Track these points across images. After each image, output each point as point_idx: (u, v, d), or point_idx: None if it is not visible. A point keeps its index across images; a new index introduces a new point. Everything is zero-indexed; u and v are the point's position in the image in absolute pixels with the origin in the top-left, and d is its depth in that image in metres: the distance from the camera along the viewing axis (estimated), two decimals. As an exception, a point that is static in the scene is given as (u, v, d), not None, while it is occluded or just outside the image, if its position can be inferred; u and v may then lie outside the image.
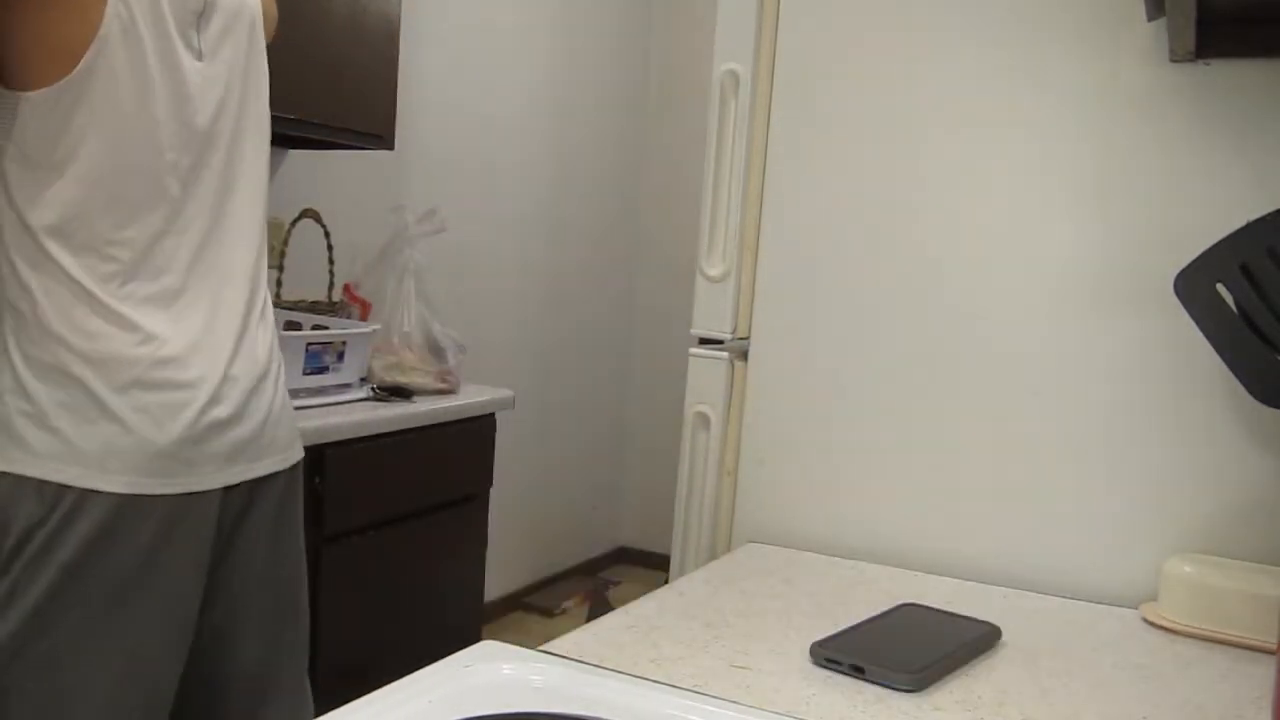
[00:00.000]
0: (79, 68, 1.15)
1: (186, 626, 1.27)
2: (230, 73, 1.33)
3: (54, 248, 1.17)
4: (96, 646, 1.20)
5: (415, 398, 2.28)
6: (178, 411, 1.21)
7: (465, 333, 2.55)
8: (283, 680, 1.40)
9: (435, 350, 2.41)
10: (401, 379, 2.31)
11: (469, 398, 2.40)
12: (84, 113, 1.16)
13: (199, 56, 1.28)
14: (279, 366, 1.38)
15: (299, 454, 1.40)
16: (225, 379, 1.27)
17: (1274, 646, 0.98)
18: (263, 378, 1.33)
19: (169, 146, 1.24)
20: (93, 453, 1.17)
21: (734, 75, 1.35)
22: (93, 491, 1.16)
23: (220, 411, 1.25)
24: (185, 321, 1.25)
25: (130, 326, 1.20)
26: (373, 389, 2.24)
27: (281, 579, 1.39)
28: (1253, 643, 1.01)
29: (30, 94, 1.15)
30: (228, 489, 1.28)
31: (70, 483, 1.16)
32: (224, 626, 1.33)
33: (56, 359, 1.17)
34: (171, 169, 1.25)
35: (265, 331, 1.37)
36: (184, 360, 1.23)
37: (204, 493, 1.24)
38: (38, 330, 1.18)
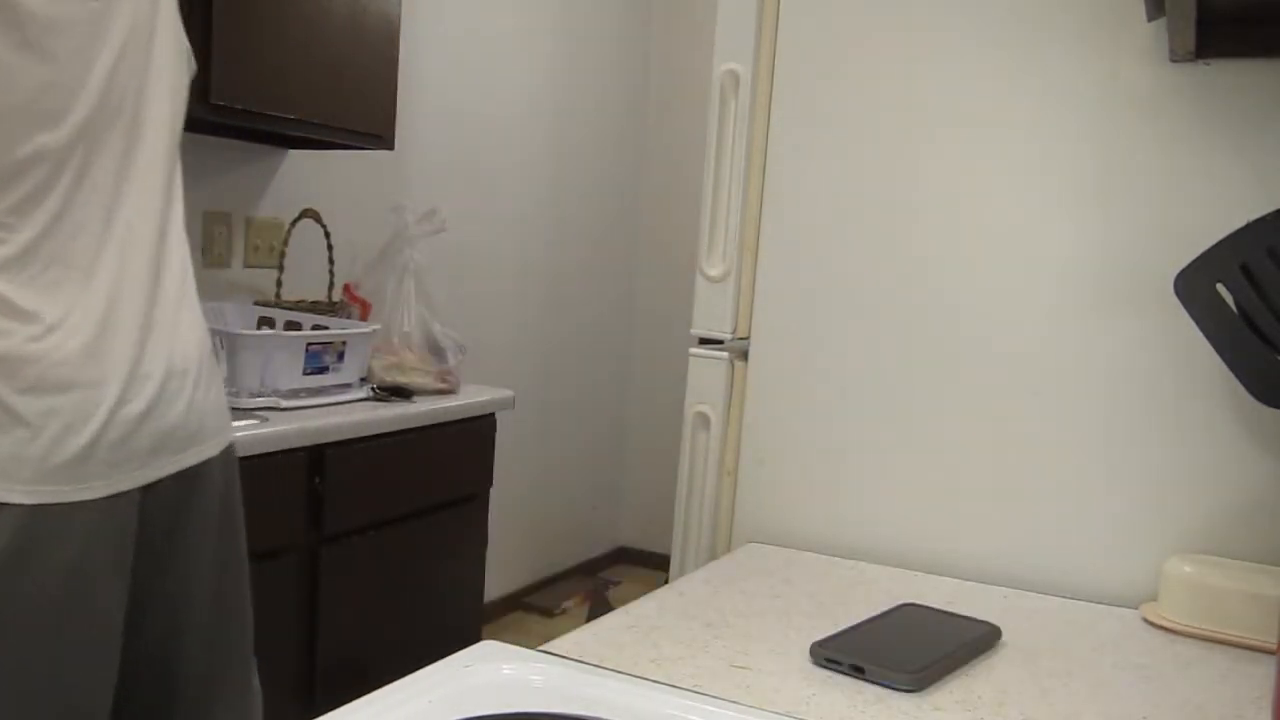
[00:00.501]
0: None
1: (114, 643, 1.15)
2: (135, 6, 1.16)
3: None
4: (17, 681, 1.08)
5: (415, 398, 2.27)
6: (90, 410, 1.09)
7: (465, 333, 2.55)
8: (233, 679, 1.32)
9: (435, 350, 2.41)
10: (401, 379, 2.31)
11: (469, 398, 2.40)
12: None
13: None
14: (203, 359, 1.23)
15: (230, 437, 1.28)
16: (133, 376, 1.13)
17: (1274, 646, 0.98)
18: (181, 374, 1.18)
19: (64, 108, 1.09)
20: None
21: (734, 75, 1.35)
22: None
23: (135, 406, 1.13)
24: (89, 309, 1.11)
25: (29, 318, 1.08)
26: (373, 389, 2.24)
27: (228, 575, 1.29)
28: (1253, 643, 1.01)
29: None
30: (147, 487, 1.15)
31: None
32: (172, 628, 1.23)
33: None
34: (68, 135, 1.10)
35: (183, 316, 1.20)
36: (90, 352, 1.11)
37: (125, 493, 1.13)
38: None
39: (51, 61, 1.08)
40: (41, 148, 1.08)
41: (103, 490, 1.10)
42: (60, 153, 1.10)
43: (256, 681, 1.37)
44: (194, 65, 1.29)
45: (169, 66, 1.22)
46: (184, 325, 1.21)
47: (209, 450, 1.23)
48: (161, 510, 1.18)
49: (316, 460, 1.96)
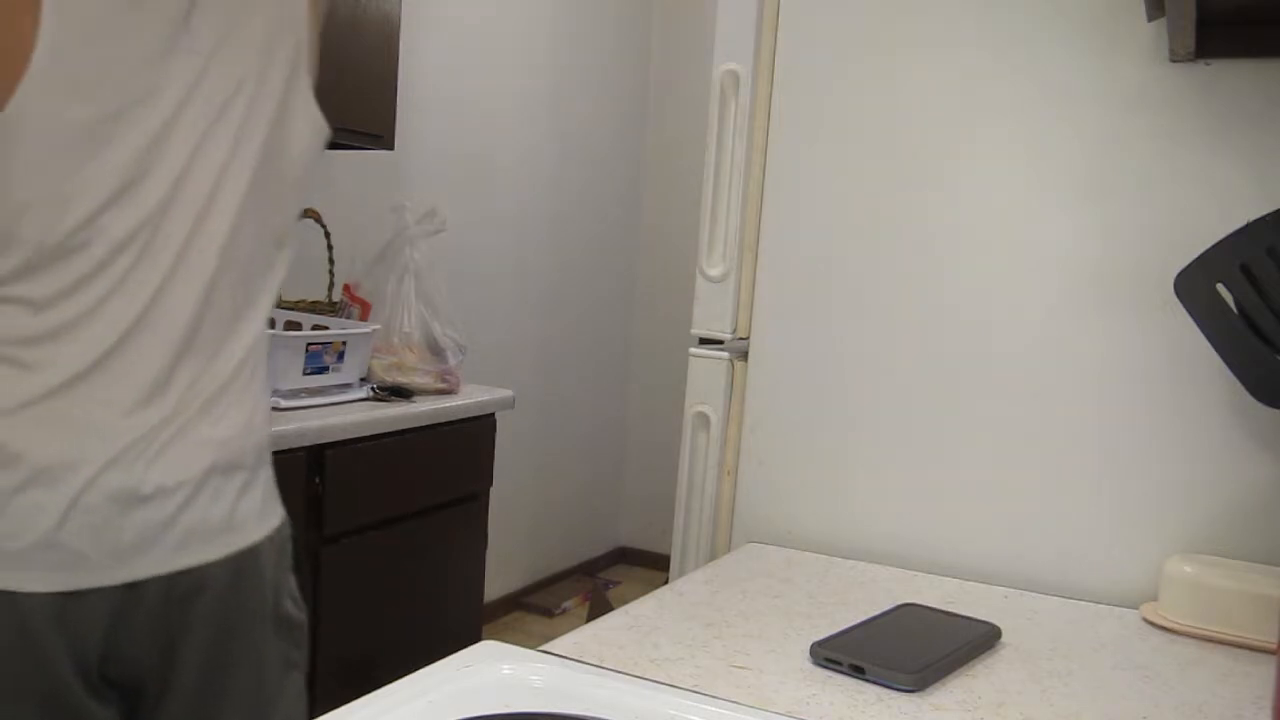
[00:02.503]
0: None
1: None
2: (237, 68, 1.06)
3: None
4: None
5: (415, 398, 2.28)
6: (56, 495, 0.97)
7: (465, 333, 2.55)
8: None
9: (435, 350, 2.42)
10: (401, 379, 2.31)
11: (469, 398, 2.40)
12: None
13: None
14: (208, 475, 1.05)
15: (243, 543, 1.08)
16: (98, 481, 0.98)
17: (1274, 646, 0.98)
18: (169, 491, 1.02)
19: (133, 183, 1.02)
20: None
21: (734, 75, 1.35)
22: None
23: (99, 498, 0.98)
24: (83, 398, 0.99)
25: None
26: (373, 389, 2.24)
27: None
28: (1253, 643, 1.01)
29: None
30: (129, 592, 1.00)
31: None
32: None
33: None
34: (141, 215, 1.02)
35: (197, 427, 1.05)
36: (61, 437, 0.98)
37: (94, 591, 0.98)
38: None
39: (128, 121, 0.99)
40: (104, 227, 0.98)
41: (65, 583, 0.97)
42: (126, 234, 1.00)
43: None
44: (324, 135, 1.15)
45: (256, 140, 1.07)
46: (205, 415, 1.06)
47: (205, 553, 1.05)
48: (132, 615, 1.02)
49: (316, 460, 1.96)
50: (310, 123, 1.14)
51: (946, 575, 1.21)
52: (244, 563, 1.08)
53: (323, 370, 2.13)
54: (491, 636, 0.93)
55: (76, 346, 0.99)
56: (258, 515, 1.11)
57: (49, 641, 0.98)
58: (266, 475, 1.15)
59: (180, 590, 1.03)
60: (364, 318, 2.38)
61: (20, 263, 0.97)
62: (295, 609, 1.16)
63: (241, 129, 1.06)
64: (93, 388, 1.00)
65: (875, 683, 0.87)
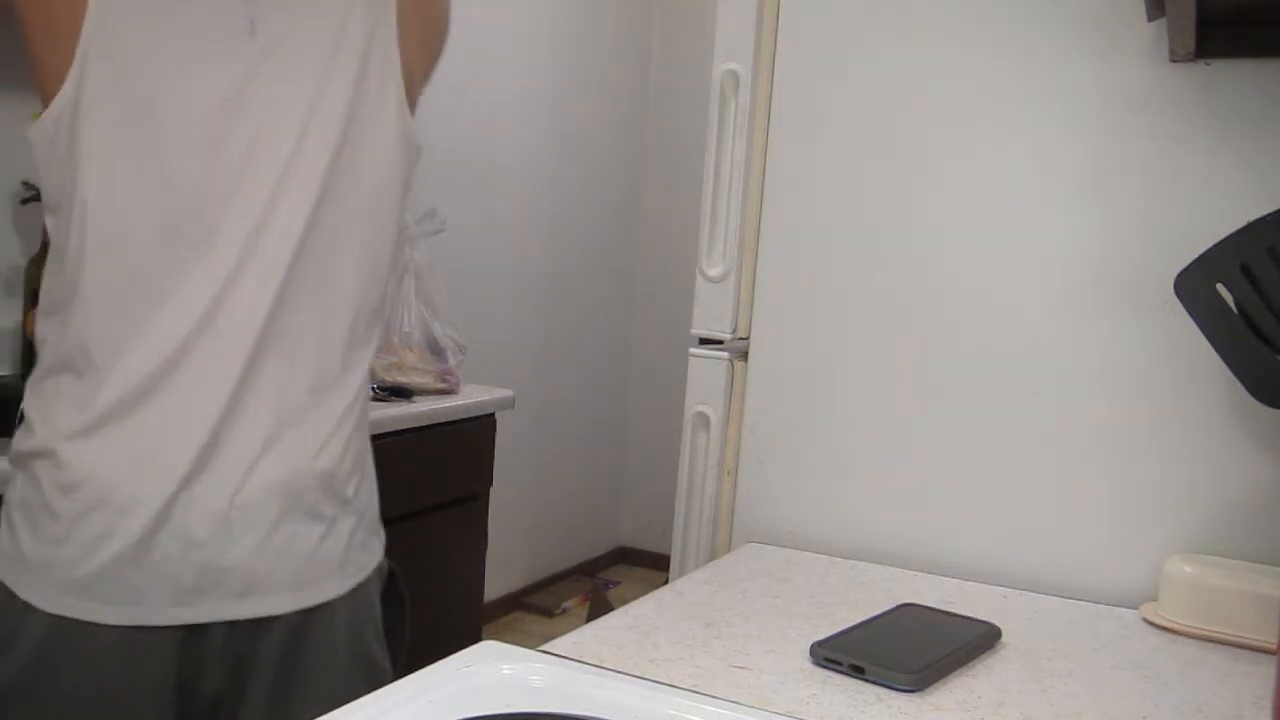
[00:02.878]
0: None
1: None
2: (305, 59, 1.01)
3: None
4: None
5: (415, 398, 2.27)
6: (125, 521, 0.94)
7: (465, 333, 2.55)
8: None
9: (435, 350, 2.41)
10: (401, 379, 2.31)
11: (469, 398, 2.40)
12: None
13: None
14: (291, 497, 0.99)
15: (312, 600, 1.01)
16: (181, 495, 0.96)
17: (1274, 646, 0.98)
18: (248, 508, 0.97)
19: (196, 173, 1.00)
20: (34, 560, 0.95)
21: (734, 75, 1.35)
22: (29, 606, 0.95)
23: (176, 528, 0.96)
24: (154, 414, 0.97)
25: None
26: (373, 389, 2.23)
27: None
28: (1253, 643, 1.01)
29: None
30: (193, 629, 0.97)
31: (15, 590, 0.95)
32: None
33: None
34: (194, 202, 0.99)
35: (286, 438, 0.99)
36: (141, 458, 0.96)
37: (154, 630, 0.95)
38: None
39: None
40: (150, 212, 0.95)
41: (124, 618, 0.94)
42: (174, 222, 0.96)
43: None
44: (415, 149, 1.08)
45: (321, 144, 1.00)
46: (278, 450, 0.99)
47: (270, 606, 0.99)
48: (203, 661, 0.99)
49: (316, 460, 1.96)
50: (396, 135, 1.05)
51: (946, 575, 1.21)
52: (312, 615, 1.02)
53: (323, 370, 2.12)
54: (491, 636, 0.93)
55: (136, 355, 0.95)
56: (337, 568, 1.03)
57: (121, 676, 0.95)
58: (354, 523, 1.06)
59: (243, 628, 0.99)
60: (364, 318, 2.38)
61: (79, 246, 0.94)
62: (383, 657, 1.10)
63: (306, 125, 0.99)
64: (159, 402, 0.95)
65: (875, 683, 0.87)
